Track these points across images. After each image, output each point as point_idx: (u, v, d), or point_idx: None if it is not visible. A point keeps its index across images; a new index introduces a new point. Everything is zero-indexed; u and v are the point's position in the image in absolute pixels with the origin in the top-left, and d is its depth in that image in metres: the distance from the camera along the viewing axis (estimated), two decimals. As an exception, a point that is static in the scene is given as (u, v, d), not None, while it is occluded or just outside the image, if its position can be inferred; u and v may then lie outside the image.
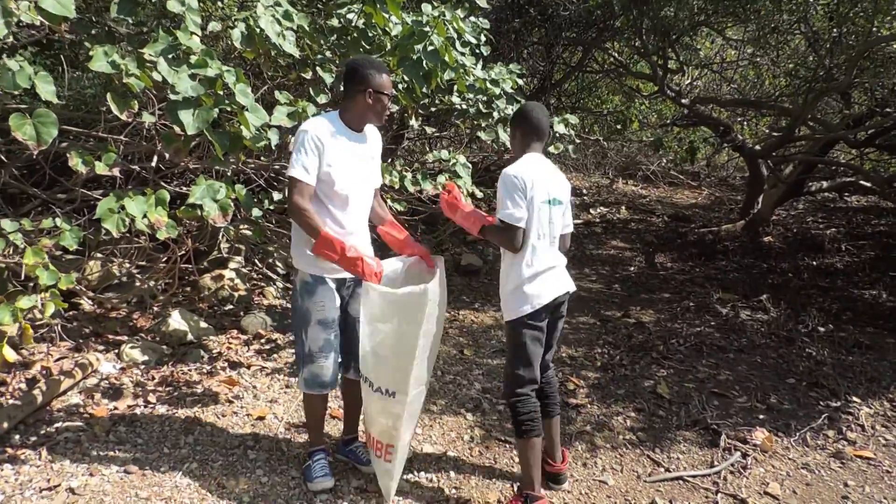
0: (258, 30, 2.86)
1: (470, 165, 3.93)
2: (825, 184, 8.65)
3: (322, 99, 3.67)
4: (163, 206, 2.48)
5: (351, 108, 2.46)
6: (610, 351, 4.37)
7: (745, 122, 9.94)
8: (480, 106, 4.21)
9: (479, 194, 3.96)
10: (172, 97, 2.44)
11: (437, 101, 4.22)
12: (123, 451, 2.73)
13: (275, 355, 3.86)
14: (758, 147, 8.35)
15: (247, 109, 2.59)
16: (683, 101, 8.29)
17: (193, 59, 2.47)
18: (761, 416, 3.50)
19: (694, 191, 11.63)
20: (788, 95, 7.73)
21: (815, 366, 4.16)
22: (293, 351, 3.95)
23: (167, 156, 2.88)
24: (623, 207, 9.73)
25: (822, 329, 4.84)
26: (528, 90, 9.71)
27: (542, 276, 2.48)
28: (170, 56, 2.54)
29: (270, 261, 5.40)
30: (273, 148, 3.01)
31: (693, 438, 3.27)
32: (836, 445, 3.22)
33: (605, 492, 2.79)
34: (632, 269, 6.89)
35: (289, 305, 4.79)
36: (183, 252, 3.28)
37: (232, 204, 2.53)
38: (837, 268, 6.91)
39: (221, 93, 2.53)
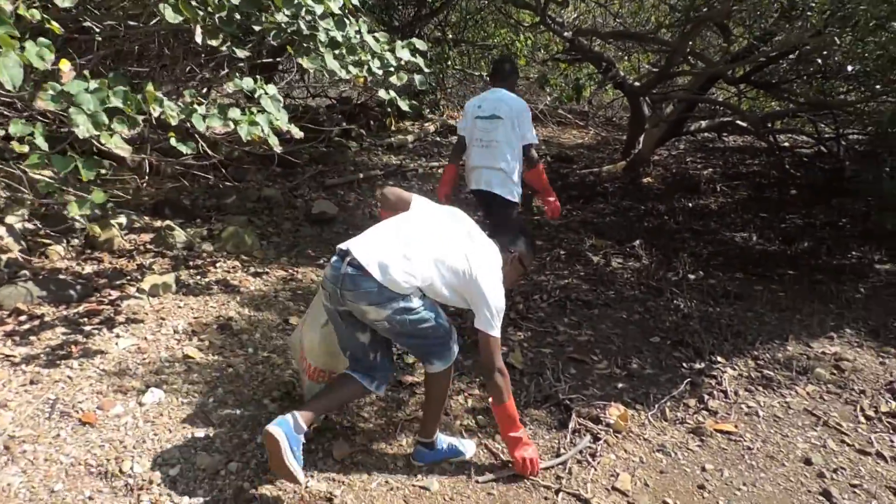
0: None
1: (281, 98, 3.13)
2: (704, 123, 8.49)
3: None
4: None
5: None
6: (463, 312, 3.83)
7: (629, 58, 9.60)
8: (302, 25, 3.38)
9: (299, 134, 3.19)
10: None
11: (263, 20, 3.35)
12: None
13: (32, 337, 3.01)
14: (637, 84, 8.00)
15: None
16: (565, 33, 7.75)
17: None
18: (620, 385, 3.09)
19: (581, 130, 11.29)
20: (668, 27, 7.37)
21: (681, 320, 3.83)
22: (63, 330, 3.12)
23: None
24: (506, 148, 9.20)
25: (692, 276, 4.55)
26: (401, 20, 8.84)
27: (469, 172, 3.68)
28: None
29: (65, 212, 4.41)
30: None
31: (542, 418, 2.80)
32: (697, 417, 2.86)
33: (425, 501, 2.25)
34: (506, 214, 6.39)
35: (79, 269, 3.89)
36: None
37: None
38: (711, 209, 6.76)
39: None
